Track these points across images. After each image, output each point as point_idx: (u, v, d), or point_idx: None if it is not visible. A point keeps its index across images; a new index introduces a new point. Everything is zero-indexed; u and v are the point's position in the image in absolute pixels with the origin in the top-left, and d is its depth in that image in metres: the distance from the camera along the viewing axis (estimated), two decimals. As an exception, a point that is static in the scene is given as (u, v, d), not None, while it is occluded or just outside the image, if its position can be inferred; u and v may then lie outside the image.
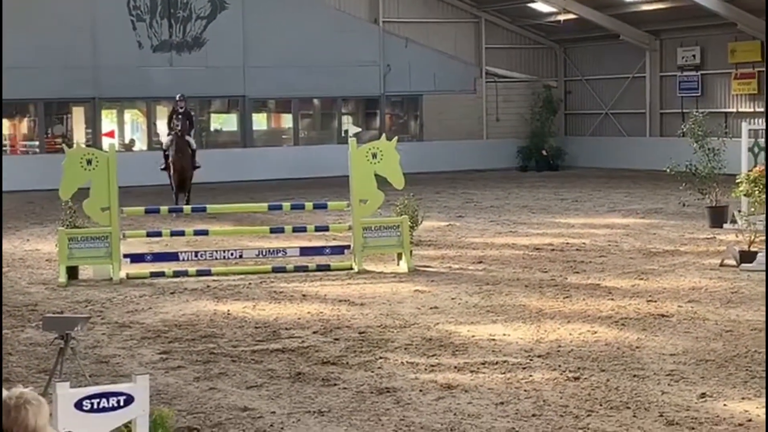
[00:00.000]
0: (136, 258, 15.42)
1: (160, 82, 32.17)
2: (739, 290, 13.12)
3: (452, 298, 13.00)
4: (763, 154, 19.19)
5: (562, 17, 34.75)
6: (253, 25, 33.50)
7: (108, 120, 33.75)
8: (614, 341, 10.49)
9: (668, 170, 19.62)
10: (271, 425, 7.99)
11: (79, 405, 5.53)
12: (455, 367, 9.55)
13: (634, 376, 9.13)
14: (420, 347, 10.41)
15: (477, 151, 36.16)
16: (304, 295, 13.47)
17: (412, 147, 33.18)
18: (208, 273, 15.08)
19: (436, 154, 35.03)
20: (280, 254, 15.94)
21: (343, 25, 34.57)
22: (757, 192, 17.78)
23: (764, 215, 17.23)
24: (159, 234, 16.88)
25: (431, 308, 12.42)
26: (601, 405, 8.30)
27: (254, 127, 35.05)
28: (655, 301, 12.52)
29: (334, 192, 25.34)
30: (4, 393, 4.48)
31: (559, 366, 9.54)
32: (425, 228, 18.85)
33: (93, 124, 32.77)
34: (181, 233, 17.15)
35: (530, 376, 9.22)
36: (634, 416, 7.99)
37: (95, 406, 5.57)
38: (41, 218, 22.87)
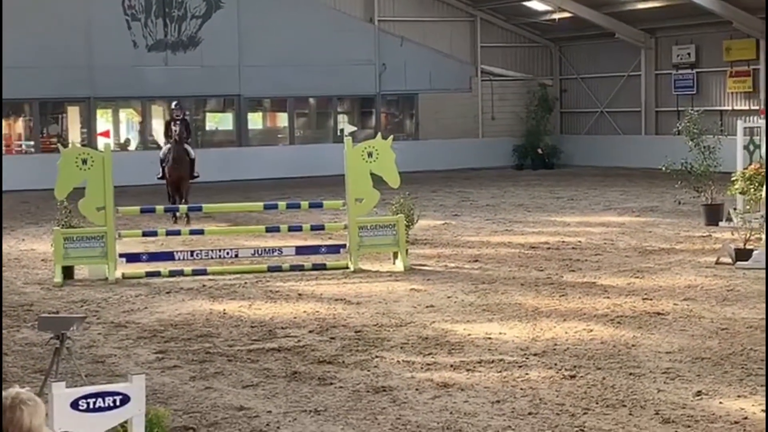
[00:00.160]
0: (131, 258, 15.41)
1: (156, 82, 32.15)
2: (734, 288, 13.13)
3: (448, 297, 13.00)
4: (758, 152, 19.22)
5: (557, 15, 34.76)
6: (248, 24, 33.49)
7: (103, 120, 33.73)
8: (610, 339, 10.50)
9: (664, 168, 19.63)
10: (267, 424, 7.98)
11: (75, 405, 5.53)
12: (451, 366, 9.56)
13: (630, 374, 9.14)
14: (416, 346, 10.41)
15: (472, 149, 36.16)
16: (299, 295, 13.47)
17: (408, 146, 33.17)
18: (203, 272, 15.07)
19: (432, 152, 35.03)
20: (275, 253, 15.93)
21: (339, 24, 34.56)
22: (752, 190, 17.80)
23: (759, 213, 17.25)
24: (155, 233, 16.86)
25: (427, 307, 12.42)
26: (597, 403, 8.30)
27: (250, 127, 35.03)
28: (651, 299, 12.53)
29: (330, 191, 25.33)
30: (0, 393, 4.47)
31: (555, 364, 9.54)
32: (421, 227, 18.86)
33: (88, 123, 32.74)
34: (177, 233, 17.14)
35: (526, 374, 9.22)
36: (630, 414, 7.99)
37: (91, 406, 5.56)
38: (37, 218, 22.85)
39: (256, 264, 15.72)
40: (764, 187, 17.46)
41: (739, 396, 8.42)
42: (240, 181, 31.34)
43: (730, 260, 14.82)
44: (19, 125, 33.33)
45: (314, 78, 33.88)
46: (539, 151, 35.83)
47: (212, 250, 16.03)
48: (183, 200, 21.57)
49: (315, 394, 8.78)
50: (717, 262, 14.97)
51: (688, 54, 33.04)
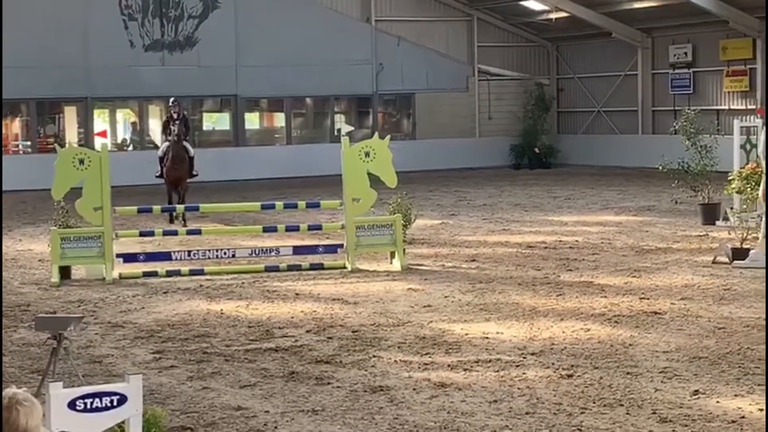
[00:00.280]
0: (128, 258, 15.40)
1: (152, 82, 32.14)
2: (731, 287, 13.14)
3: (445, 297, 13.00)
4: (755, 151, 19.21)
5: (554, 15, 34.78)
6: (245, 25, 33.48)
7: (100, 120, 33.71)
8: (607, 339, 10.50)
9: (660, 168, 19.64)
10: (265, 424, 7.98)
11: (72, 405, 5.52)
12: (448, 366, 9.56)
13: (627, 373, 9.14)
14: (413, 345, 10.41)
15: (470, 149, 36.17)
16: (297, 294, 13.47)
17: (405, 145, 33.16)
18: (201, 272, 15.07)
19: (429, 152, 35.03)
20: (273, 253, 15.93)
21: (336, 24, 34.56)
22: (749, 189, 17.81)
23: (756, 212, 17.25)
24: (152, 233, 16.86)
25: (424, 306, 12.42)
26: (594, 402, 8.31)
27: (247, 127, 35.03)
28: (648, 299, 12.53)
29: (327, 191, 25.32)
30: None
31: (553, 364, 9.54)
32: (418, 226, 18.85)
33: (85, 123, 32.73)
34: (174, 233, 17.12)
35: (523, 373, 9.22)
36: (628, 413, 8.00)
37: (88, 406, 5.56)
38: (33, 218, 22.84)
39: (253, 264, 15.72)
40: (761, 186, 17.46)
41: (736, 395, 8.42)
42: (237, 181, 31.33)
43: (727, 259, 14.83)
44: (16, 125, 33.32)
45: (311, 78, 33.87)
46: (536, 150, 35.84)
47: (209, 250, 16.03)
48: (180, 200, 21.34)
49: (312, 393, 8.78)
50: (714, 262, 14.98)
51: (685, 53, 33.06)
